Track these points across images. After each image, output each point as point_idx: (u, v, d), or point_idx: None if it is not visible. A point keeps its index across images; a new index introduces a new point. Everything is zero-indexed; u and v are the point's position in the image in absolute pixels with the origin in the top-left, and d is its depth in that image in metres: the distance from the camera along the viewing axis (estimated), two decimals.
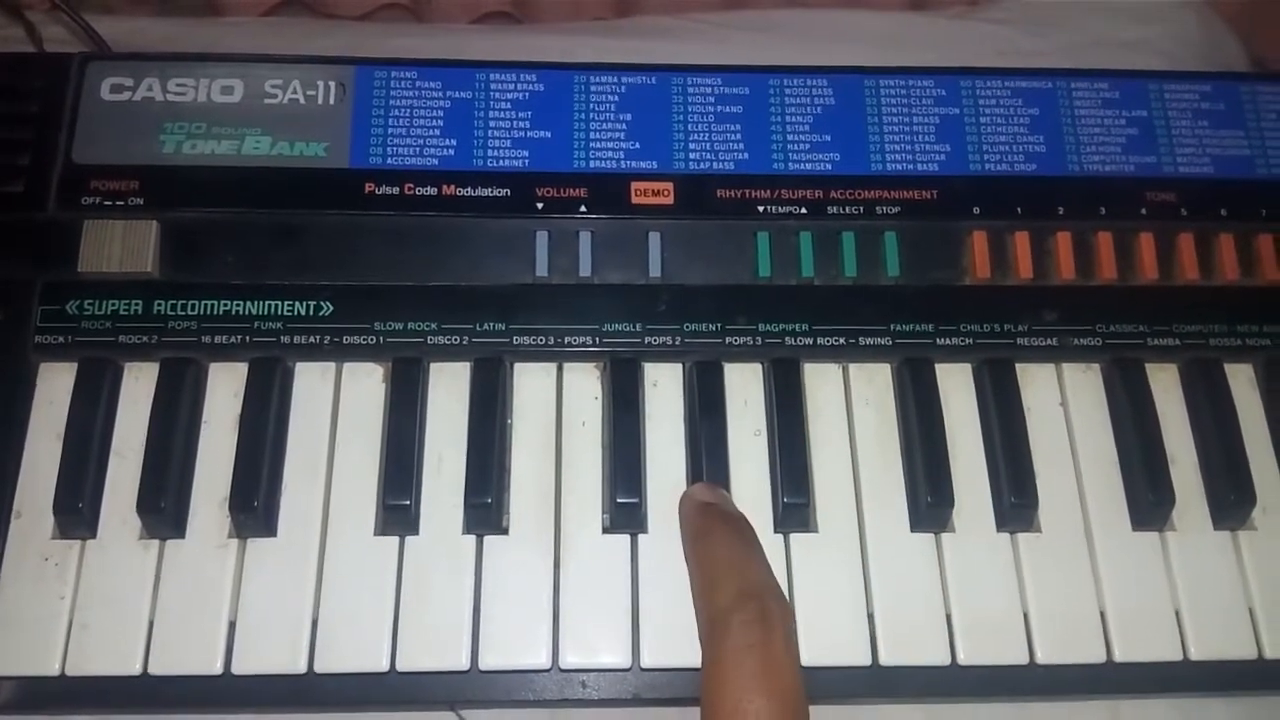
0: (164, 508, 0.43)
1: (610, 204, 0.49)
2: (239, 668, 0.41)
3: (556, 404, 0.46)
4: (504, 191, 0.48)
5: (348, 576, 0.43)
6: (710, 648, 0.36)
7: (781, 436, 0.45)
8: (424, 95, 0.50)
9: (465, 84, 0.50)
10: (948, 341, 0.47)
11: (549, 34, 0.75)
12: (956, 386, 0.47)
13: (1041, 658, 0.42)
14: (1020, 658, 0.42)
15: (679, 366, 0.47)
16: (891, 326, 0.47)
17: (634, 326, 0.47)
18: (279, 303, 0.46)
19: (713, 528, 0.41)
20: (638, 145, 0.50)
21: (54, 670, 0.41)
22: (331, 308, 0.46)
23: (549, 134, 0.50)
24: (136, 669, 0.41)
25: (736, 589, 0.37)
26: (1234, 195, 0.50)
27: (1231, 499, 0.45)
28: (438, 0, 0.79)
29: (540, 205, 0.48)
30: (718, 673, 0.35)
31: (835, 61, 0.53)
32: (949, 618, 0.43)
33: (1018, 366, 0.47)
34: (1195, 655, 0.43)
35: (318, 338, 0.46)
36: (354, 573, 0.43)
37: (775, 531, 0.44)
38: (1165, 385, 0.47)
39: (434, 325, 0.46)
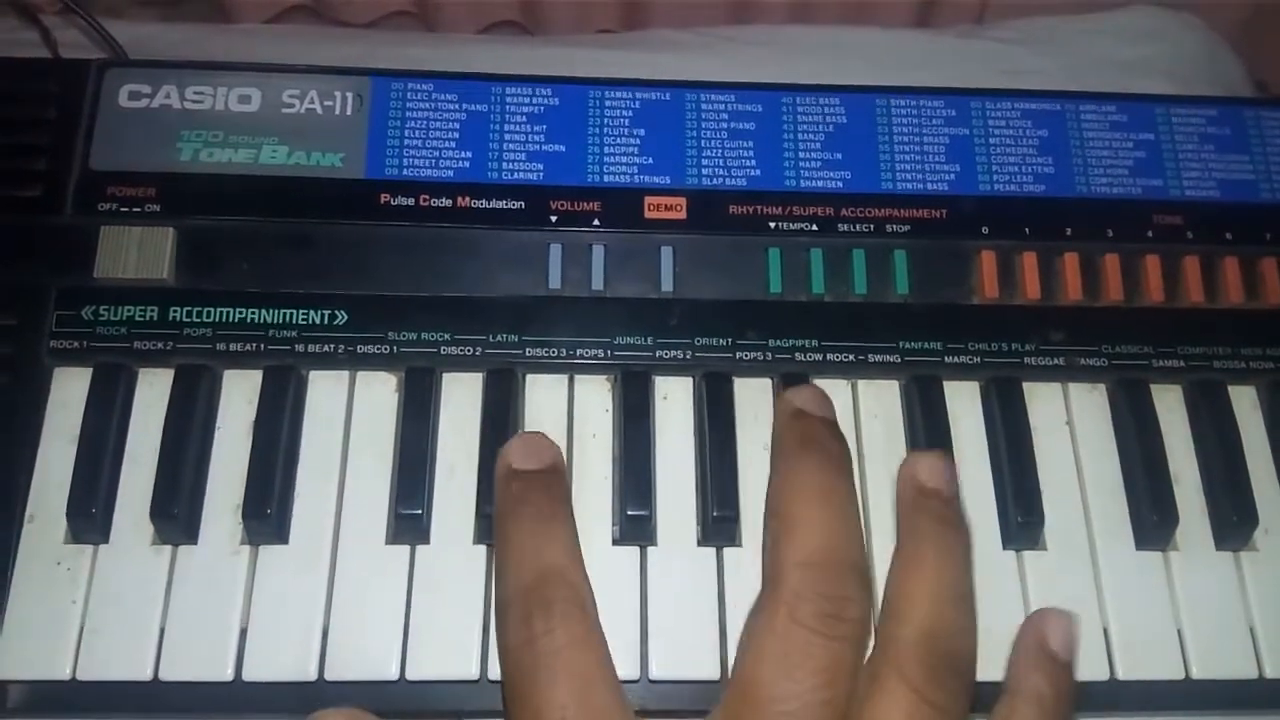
0: (177, 514, 0.43)
1: (623, 218, 0.49)
2: (250, 675, 0.41)
3: (567, 416, 0.46)
4: (518, 204, 0.49)
5: (359, 585, 0.43)
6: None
7: None
8: (440, 107, 0.50)
9: (481, 97, 0.51)
10: (956, 360, 0.48)
11: (556, 45, 0.75)
12: (964, 404, 0.47)
13: None
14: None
15: (689, 380, 0.47)
16: (900, 344, 0.47)
17: (645, 340, 0.47)
18: (294, 311, 0.46)
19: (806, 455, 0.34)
20: (651, 160, 0.50)
21: (65, 675, 0.41)
22: (346, 317, 0.46)
23: (563, 148, 0.50)
24: (147, 674, 0.41)
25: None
26: (1239, 219, 0.51)
27: (1234, 520, 0.45)
28: (446, 9, 0.79)
29: (554, 218, 0.49)
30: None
31: (840, 77, 0.53)
32: None
33: (1025, 385, 0.47)
34: (1197, 674, 0.43)
35: (332, 347, 0.46)
36: (365, 581, 0.43)
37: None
38: (1170, 406, 0.48)
39: (447, 336, 0.46)
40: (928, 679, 0.30)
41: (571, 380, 0.47)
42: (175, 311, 0.46)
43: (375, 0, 0.80)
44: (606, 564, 0.44)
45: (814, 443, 0.35)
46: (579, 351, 0.47)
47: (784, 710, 0.29)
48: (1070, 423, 0.47)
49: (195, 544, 0.43)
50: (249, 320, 0.46)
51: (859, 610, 0.30)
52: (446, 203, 0.49)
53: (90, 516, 0.43)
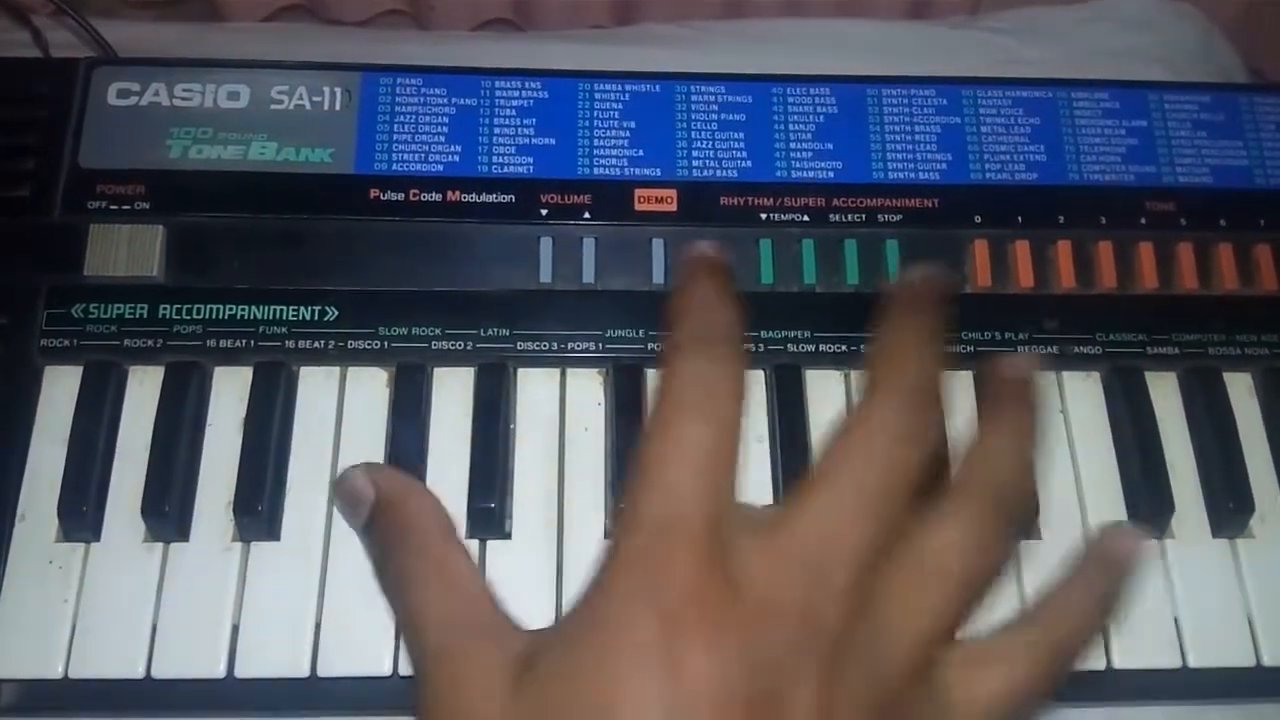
0: (168, 511, 0.43)
1: (614, 211, 0.49)
2: (242, 671, 0.41)
3: (559, 409, 0.46)
4: (508, 198, 0.49)
5: (351, 580, 0.43)
6: None
7: (784, 443, 0.45)
8: (429, 102, 0.50)
9: (470, 91, 0.50)
10: (948, 349, 0.47)
11: (549, 41, 0.75)
12: (958, 394, 0.47)
13: None
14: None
15: None
16: None
17: (637, 333, 0.47)
18: (284, 307, 0.46)
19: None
20: (641, 152, 0.50)
21: (57, 673, 0.41)
22: (336, 313, 0.46)
23: (553, 141, 0.50)
24: (140, 672, 0.41)
25: None
26: (1233, 205, 0.51)
27: (1230, 507, 0.45)
28: (439, 6, 0.79)
29: (544, 212, 0.49)
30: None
31: (835, 70, 0.53)
32: None
33: None
34: (1194, 662, 0.43)
35: (322, 342, 0.46)
36: (357, 576, 0.43)
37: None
38: (1164, 393, 0.48)
39: (438, 330, 0.46)
40: (992, 521, 0.31)
41: (563, 374, 0.47)
42: (165, 309, 0.46)
43: None
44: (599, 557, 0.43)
45: (930, 300, 0.35)
46: (570, 345, 0.47)
47: (861, 494, 0.29)
48: (1064, 411, 0.47)
49: (187, 541, 0.43)
50: (239, 317, 0.46)
51: (937, 437, 0.31)
52: (436, 197, 0.48)
53: (81, 515, 0.43)
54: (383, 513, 0.33)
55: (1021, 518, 0.33)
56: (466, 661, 0.30)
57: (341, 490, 0.33)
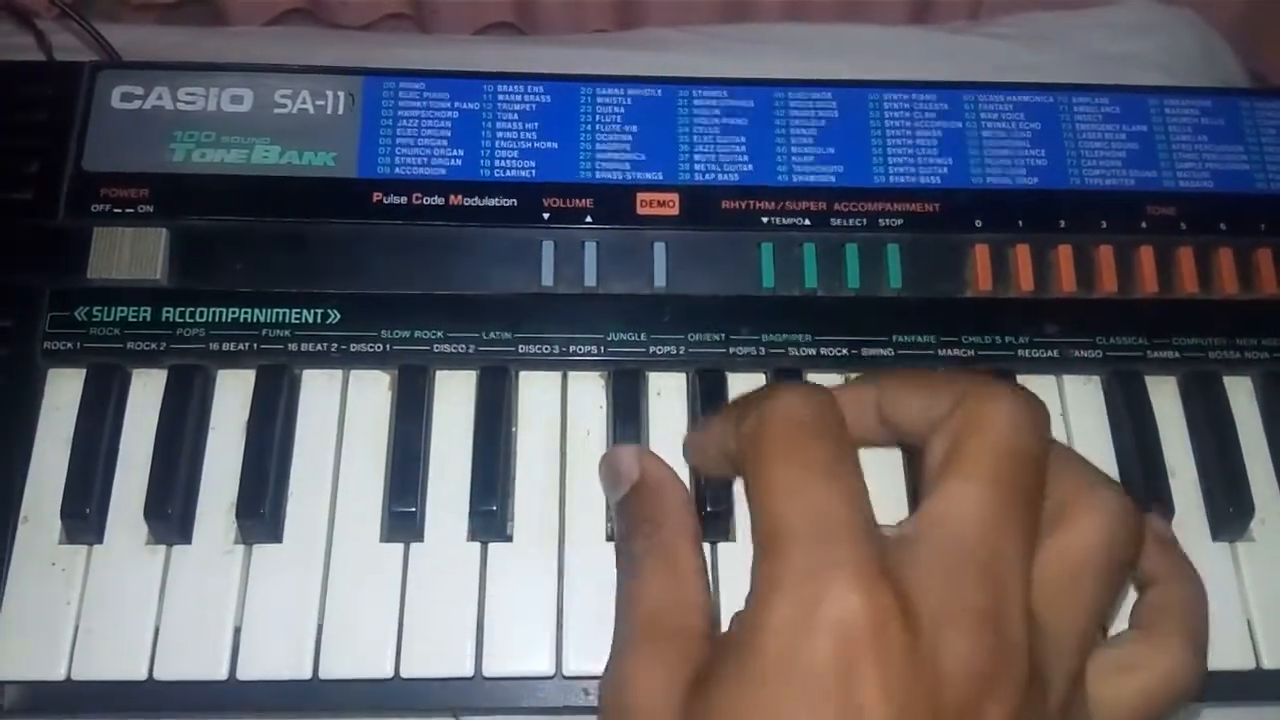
0: (171, 514, 0.43)
1: (616, 215, 0.49)
2: (244, 673, 0.41)
3: (561, 412, 0.46)
4: (510, 202, 0.49)
5: (353, 583, 0.43)
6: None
7: None
8: (432, 106, 0.50)
9: (473, 95, 0.51)
10: (949, 353, 0.47)
11: (551, 45, 0.76)
12: None
13: None
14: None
15: (683, 376, 0.47)
16: (894, 338, 0.47)
17: (638, 336, 0.47)
18: (287, 310, 0.46)
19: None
20: (643, 157, 0.50)
21: (60, 675, 0.41)
22: (339, 316, 0.46)
23: (555, 145, 0.50)
24: (142, 674, 0.41)
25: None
26: (1233, 209, 0.51)
27: (1230, 511, 0.45)
28: (441, 11, 0.79)
29: (546, 215, 0.49)
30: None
31: (836, 74, 0.53)
32: None
33: (1019, 378, 0.47)
34: None
35: (325, 345, 0.46)
36: (359, 579, 0.43)
37: None
38: (1165, 397, 0.48)
39: (440, 334, 0.46)
40: (1120, 500, 0.30)
41: (565, 377, 0.47)
42: (168, 312, 0.46)
43: (371, 2, 0.80)
44: (601, 559, 0.43)
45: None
46: (572, 348, 0.47)
47: (1007, 493, 0.28)
48: (1065, 415, 0.47)
49: (189, 544, 0.43)
50: (242, 320, 0.46)
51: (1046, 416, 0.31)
52: (439, 201, 0.49)
53: (84, 517, 0.43)
54: (639, 496, 0.35)
55: (1040, 484, 0.31)
56: (650, 663, 0.30)
57: (608, 465, 0.36)
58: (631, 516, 0.35)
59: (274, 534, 0.43)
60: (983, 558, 0.27)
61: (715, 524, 0.44)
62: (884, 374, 0.35)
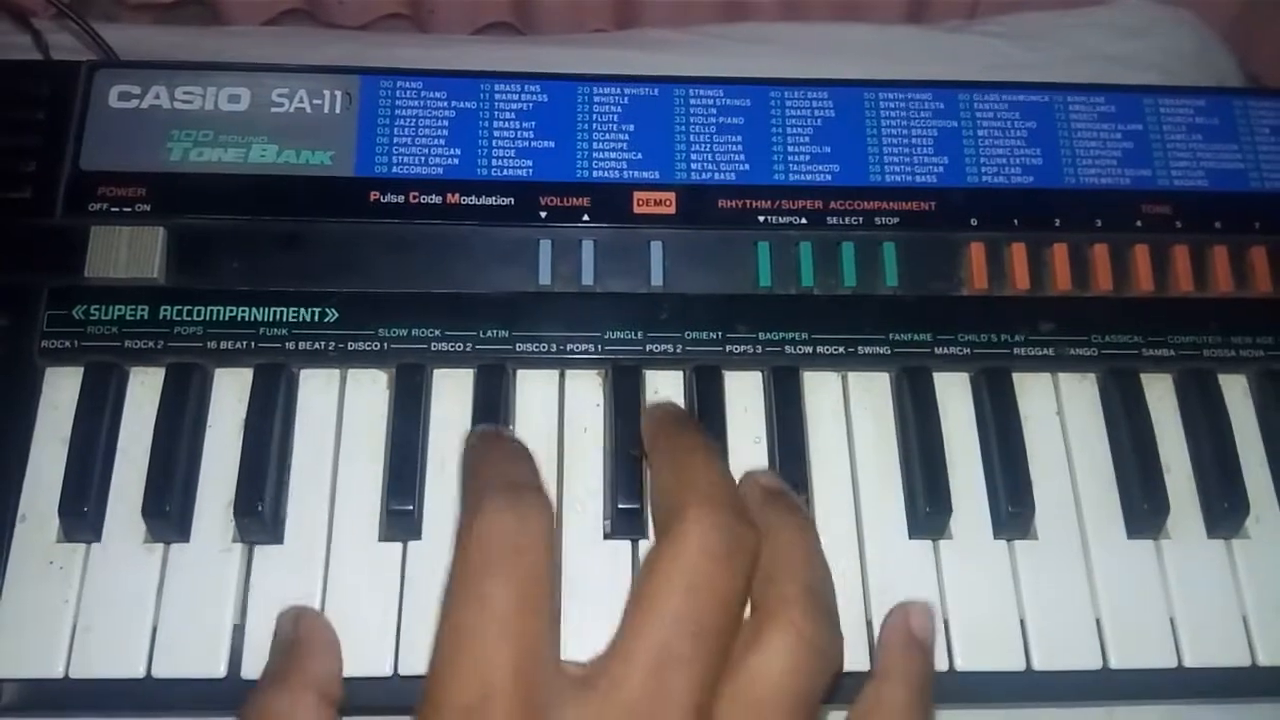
0: (169, 512, 0.43)
1: (613, 213, 0.49)
2: (243, 671, 0.41)
3: (558, 410, 0.46)
4: (508, 200, 0.49)
5: (351, 581, 0.43)
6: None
7: (781, 444, 0.45)
8: (429, 105, 0.50)
9: (470, 94, 0.51)
10: (946, 351, 0.48)
11: (550, 45, 0.76)
12: (954, 395, 0.47)
13: (1037, 664, 0.43)
14: (1017, 664, 0.43)
15: (680, 374, 0.47)
16: (890, 336, 0.48)
17: (635, 334, 0.47)
18: (284, 309, 0.46)
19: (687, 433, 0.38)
20: (640, 155, 0.50)
21: (58, 673, 0.41)
22: (336, 314, 0.47)
23: (552, 144, 0.50)
24: (140, 672, 0.41)
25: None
26: (1228, 208, 0.51)
27: (1225, 508, 0.45)
28: (439, 10, 0.79)
29: (543, 214, 0.49)
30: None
31: (832, 73, 0.53)
32: (946, 624, 0.43)
33: (1015, 376, 0.47)
34: (1189, 662, 0.43)
35: (322, 344, 0.46)
36: (357, 577, 0.43)
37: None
38: (1160, 395, 0.48)
39: (437, 332, 0.46)
40: (812, 625, 0.31)
41: (562, 375, 0.47)
42: (166, 310, 0.46)
43: (368, 2, 0.80)
44: (598, 558, 0.44)
45: (691, 424, 0.39)
46: (569, 347, 0.47)
47: (686, 631, 0.29)
48: (1060, 413, 0.48)
49: (187, 542, 0.43)
50: (239, 318, 0.46)
51: (756, 545, 0.32)
52: (436, 200, 0.49)
53: (82, 515, 0.43)
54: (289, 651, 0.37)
55: (833, 608, 0.33)
56: None
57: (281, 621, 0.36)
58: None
59: (272, 532, 0.43)
60: (644, 708, 0.28)
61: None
62: (660, 441, 0.37)
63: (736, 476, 0.37)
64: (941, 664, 0.42)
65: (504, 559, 0.30)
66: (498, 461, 0.35)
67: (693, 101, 0.51)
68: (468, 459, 0.37)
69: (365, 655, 0.42)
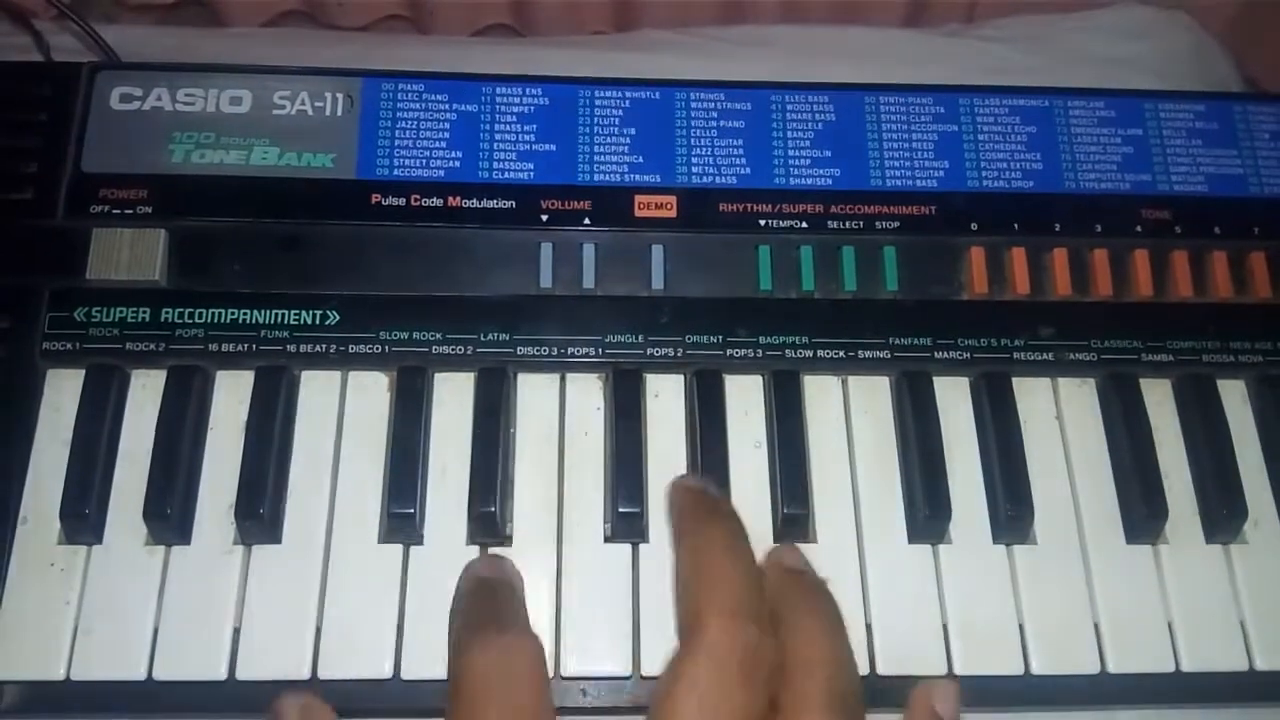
0: (170, 514, 0.43)
1: (614, 217, 0.49)
2: (243, 674, 0.41)
3: (559, 414, 0.47)
4: (509, 204, 0.49)
5: (352, 584, 0.43)
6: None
7: (781, 448, 0.45)
8: (430, 108, 0.50)
9: (472, 97, 0.51)
10: (945, 355, 0.48)
11: (549, 47, 0.75)
12: (954, 400, 0.47)
13: (1036, 668, 0.43)
14: (1015, 668, 0.43)
15: (680, 378, 0.47)
16: (890, 340, 0.48)
17: (636, 338, 0.47)
18: (285, 312, 0.46)
19: (713, 523, 0.38)
20: (641, 159, 0.50)
21: (59, 675, 0.41)
22: (337, 317, 0.47)
23: (554, 147, 0.50)
24: (141, 674, 0.41)
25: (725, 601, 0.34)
26: (1227, 213, 0.51)
27: (1224, 513, 0.46)
28: (439, 12, 0.79)
29: (545, 217, 0.49)
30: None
31: (831, 76, 0.54)
32: (945, 628, 0.43)
33: (1014, 380, 0.48)
34: (1187, 667, 0.43)
35: (324, 346, 0.46)
36: (358, 580, 0.43)
37: (775, 541, 0.44)
38: (1159, 400, 0.48)
39: (439, 335, 0.47)
40: (840, 714, 0.32)
41: (563, 379, 0.47)
42: (167, 312, 0.46)
43: (369, 3, 0.80)
44: (598, 561, 0.44)
45: (719, 512, 0.38)
46: (570, 350, 0.47)
47: None
48: (1060, 417, 0.48)
49: (188, 544, 0.43)
50: (241, 321, 0.46)
51: (774, 658, 0.33)
52: (437, 202, 0.49)
53: (83, 518, 0.43)
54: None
55: (856, 699, 0.34)
56: None
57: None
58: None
59: (273, 535, 0.43)
60: None
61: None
62: (685, 526, 0.38)
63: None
64: (941, 669, 0.43)
65: (495, 694, 0.32)
66: (477, 596, 0.37)
67: (694, 105, 0.51)
68: (458, 595, 0.39)
69: (365, 658, 0.42)
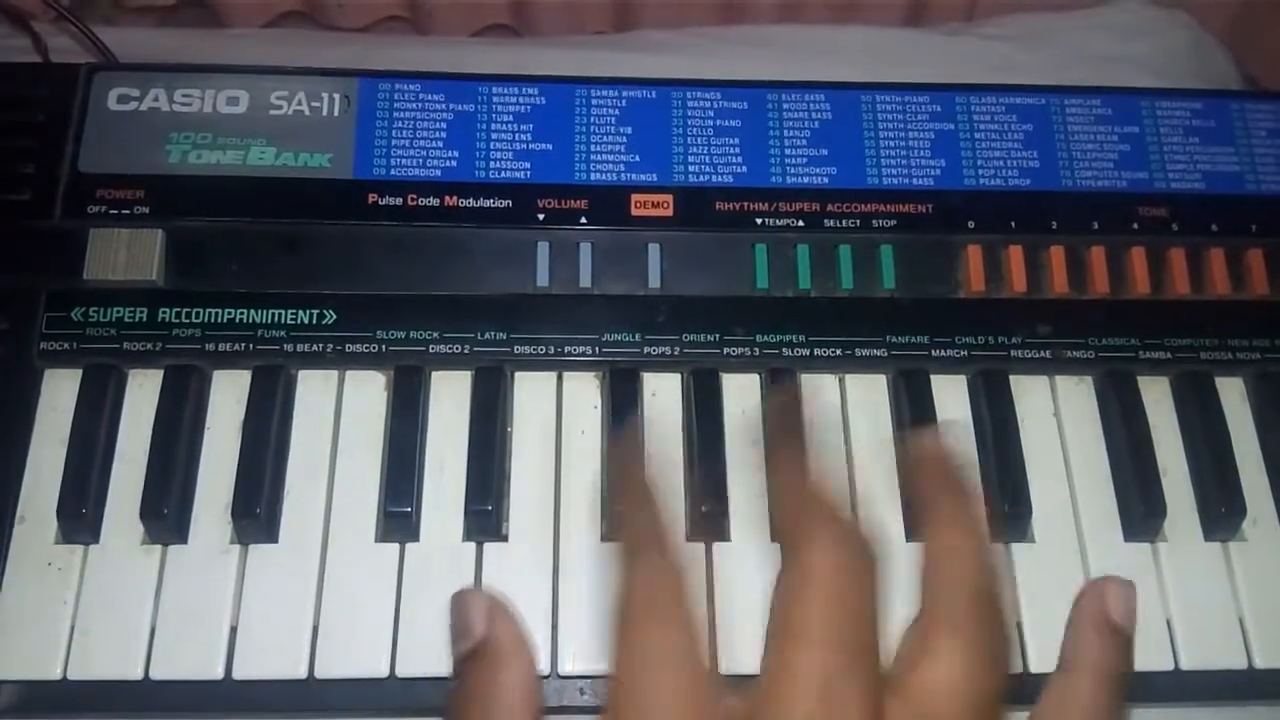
0: (167, 513, 0.43)
1: (610, 216, 0.49)
2: (240, 673, 0.41)
3: (556, 413, 0.47)
4: (506, 203, 0.49)
5: (349, 583, 0.43)
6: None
7: None
8: (427, 107, 0.50)
9: (468, 96, 0.51)
10: (943, 353, 0.48)
11: (548, 47, 0.75)
12: (951, 398, 0.47)
13: (1035, 666, 0.43)
14: (1014, 666, 0.43)
15: (677, 376, 0.47)
16: (887, 338, 0.48)
17: (633, 337, 0.47)
18: (282, 311, 0.46)
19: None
20: (638, 158, 0.50)
21: (56, 674, 0.41)
22: (334, 316, 0.47)
23: (550, 146, 0.50)
24: (138, 674, 0.41)
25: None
26: (1224, 210, 0.51)
27: (1222, 511, 0.46)
28: (438, 12, 0.79)
29: (541, 216, 0.49)
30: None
31: (830, 76, 0.54)
32: None
33: (1012, 378, 0.48)
34: (1186, 665, 0.43)
35: (320, 346, 0.46)
36: (355, 579, 0.43)
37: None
38: (1157, 398, 0.48)
39: (436, 334, 0.47)
40: (980, 630, 0.28)
41: (560, 377, 0.47)
42: (164, 312, 0.46)
43: (368, 4, 0.80)
44: (595, 559, 0.44)
45: (805, 425, 0.34)
46: (567, 349, 0.47)
47: (836, 647, 0.27)
48: (1057, 415, 0.48)
49: (185, 543, 0.43)
50: (238, 320, 0.46)
51: (876, 564, 0.29)
52: (434, 202, 0.49)
53: (81, 517, 0.43)
54: (477, 665, 0.30)
55: (1001, 610, 0.30)
56: None
57: (456, 609, 0.31)
58: (468, 681, 0.31)
59: (270, 534, 0.43)
60: None
61: (711, 523, 0.44)
62: (779, 445, 0.33)
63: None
64: None
65: (661, 606, 0.29)
66: (638, 504, 0.32)
67: (690, 104, 0.51)
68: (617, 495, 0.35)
69: (362, 657, 0.42)
